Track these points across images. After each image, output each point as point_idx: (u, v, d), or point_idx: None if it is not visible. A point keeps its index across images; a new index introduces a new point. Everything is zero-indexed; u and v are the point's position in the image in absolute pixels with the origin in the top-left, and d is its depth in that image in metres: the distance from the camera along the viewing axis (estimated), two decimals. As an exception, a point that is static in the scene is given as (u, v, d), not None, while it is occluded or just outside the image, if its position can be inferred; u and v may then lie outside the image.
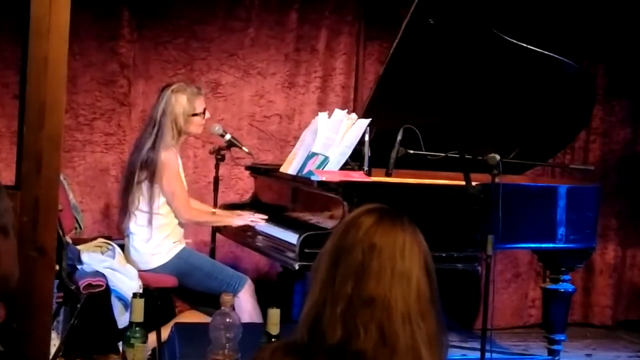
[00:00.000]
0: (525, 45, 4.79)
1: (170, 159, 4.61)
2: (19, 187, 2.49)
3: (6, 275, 1.66)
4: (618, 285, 6.47)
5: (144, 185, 4.62)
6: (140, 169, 4.61)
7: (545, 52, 4.84)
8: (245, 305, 4.55)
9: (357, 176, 4.38)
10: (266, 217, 4.71)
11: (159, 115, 4.61)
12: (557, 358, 5.07)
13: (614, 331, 6.34)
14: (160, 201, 4.65)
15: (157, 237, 4.67)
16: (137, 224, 4.69)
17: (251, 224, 4.71)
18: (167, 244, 4.68)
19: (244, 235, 4.87)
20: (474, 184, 4.21)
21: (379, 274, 1.67)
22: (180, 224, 4.76)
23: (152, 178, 4.60)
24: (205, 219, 4.95)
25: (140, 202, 4.66)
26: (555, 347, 5.04)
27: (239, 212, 4.93)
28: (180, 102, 4.64)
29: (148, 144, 4.60)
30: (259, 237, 4.70)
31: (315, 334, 1.67)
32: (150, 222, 4.65)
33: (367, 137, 4.50)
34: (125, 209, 4.70)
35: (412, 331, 1.65)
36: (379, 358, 1.62)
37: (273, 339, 2.46)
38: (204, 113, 4.74)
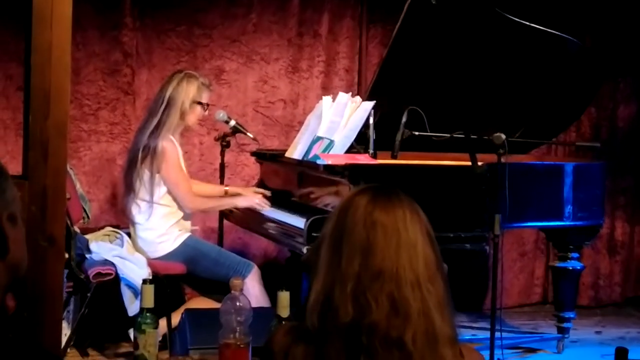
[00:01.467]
0: (528, 23, 4.77)
1: (169, 148, 4.62)
2: (27, 177, 2.50)
3: (16, 264, 1.66)
4: (627, 262, 6.48)
5: (145, 173, 4.64)
6: (142, 151, 4.63)
7: (548, 30, 4.83)
8: (252, 290, 4.56)
9: (363, 159, 4.38)
10: (269, 203, 4.72)
11: (168, 95, 4.64)
12: (566, 336, 5.08)
13: (623, 308, 6.34)
14: (161, 191, 4.67)
15: (162, 225, 4.68)
16: (140, 214, 4.70)
17: (256, 207, 4.72)
18: (173, 232, 4.70)
19: (252, 221, 4.88)
20: (480, 164, 4.21)
21: (385, 248, 1.69)
22: (187, 213, 4.77)
23: (151, 167, 4.62)
24: (211, 205, 4.95)
25: (141, 189, 4.67)
26: (565, 324, 5.05)
27: (250, 189, 4.95)
28: (191, 87, 4.69)
29: (150, 128, 4.62)
30: (267, 222, 4.71)
31: (326, 317, 1.67)
32: (152, 212, 4.67)
33: (371, 120, 4.49)
34: (128, 189, 4.73)
35: (423, 297, 1.67)
36: (392, 327, 1.64)
37: (283, 322, 2.47)
38: (207, 107, 4.77)
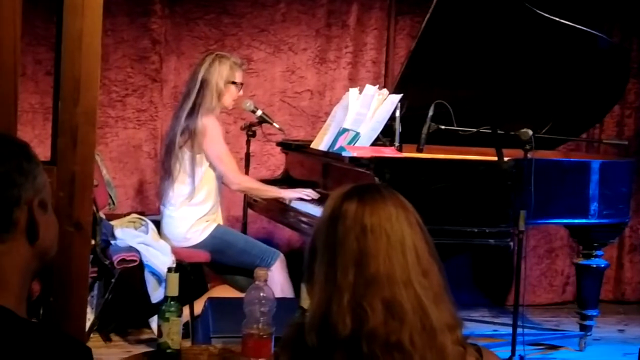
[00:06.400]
0: (558, 19, 4.75)
1: (210, 123, 4.62)
2: (55, 163, 2.51)
3: (45, 249, 1.68)
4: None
5: (185, 154, 4.64)
6: (181, 135, 4.63)
7: (578, 26, 4.80)
8: (277, 278, 4.58)
9: (389, 152, 4.38)
10: (317, 195, 4.67)
11: (201, 77, 4.64)
12: (589, 334, 5.06)
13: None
14: (202, 172, 4.66)
15: (192, 216, 4.67)
16: (175, 199, 4.69)
17: (305, 197, 4.69)
18: (201, 224, 4.69)
19: (276, 211, 4.89)
20: (506, 159, 4.20)
21: (377, 252, 1.65)
22: (220, 202, 4.77)
23: (192, 146, 4.62)
24: (257, 186, 4.89)
25: (181, 173, 4.67)
26: (587, 322, 5.02)
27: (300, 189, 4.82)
28: (224, 67, 4.69)
29: (187, 110, 4.62)
30: (291, 212, 4.71)
31: (325, 333, 1.65)
32: (191, 196, 4.65)
33: (398, 113, 4.49)
34: (166, 174, 4.71)
35: (416, 294, 1.64)
36: (390, 331, 1.61)
37: (307, 314, 2.47)
38: (241, 86, 4.77)
